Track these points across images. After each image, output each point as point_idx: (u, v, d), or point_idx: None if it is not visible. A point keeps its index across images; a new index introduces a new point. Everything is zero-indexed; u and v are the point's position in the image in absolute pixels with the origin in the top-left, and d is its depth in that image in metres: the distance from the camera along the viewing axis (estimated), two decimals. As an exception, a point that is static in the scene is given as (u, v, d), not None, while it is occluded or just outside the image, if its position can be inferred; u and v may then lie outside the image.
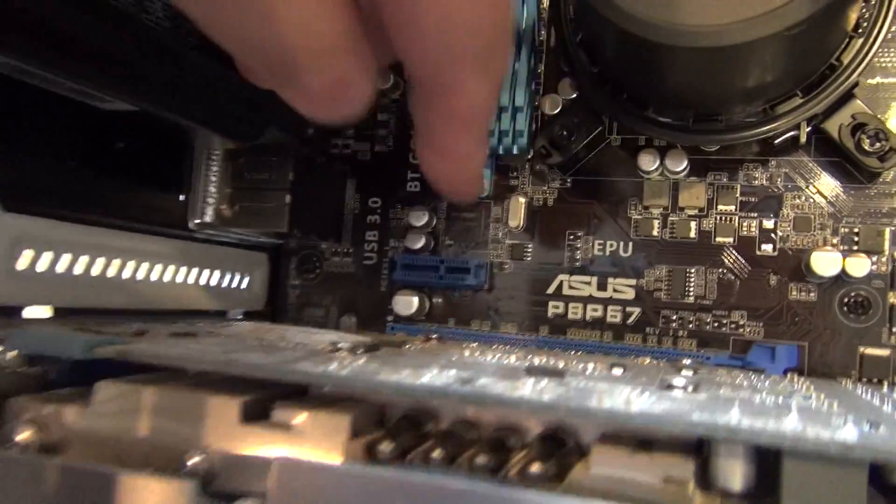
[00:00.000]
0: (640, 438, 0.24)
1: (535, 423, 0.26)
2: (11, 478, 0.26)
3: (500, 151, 0.44)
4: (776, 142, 0.41)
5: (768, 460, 0.22)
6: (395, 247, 0.48)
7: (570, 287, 0.45)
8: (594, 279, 0.44)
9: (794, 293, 0.41)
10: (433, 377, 0.24)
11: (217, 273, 0.45)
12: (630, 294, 0.44)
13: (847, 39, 0.37)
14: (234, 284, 0.47)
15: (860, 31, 0.37)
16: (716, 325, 0.42)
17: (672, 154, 0.42)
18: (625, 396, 0.22)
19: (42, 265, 0.33)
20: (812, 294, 0.41)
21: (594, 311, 0.44)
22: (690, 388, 0.25)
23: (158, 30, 0.32)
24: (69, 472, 0.25)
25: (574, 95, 0.44)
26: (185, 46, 0.33)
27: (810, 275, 0.40)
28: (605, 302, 0.44)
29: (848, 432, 0.19)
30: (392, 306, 0.47)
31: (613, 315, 0.44)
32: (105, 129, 0.36)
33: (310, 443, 0.26)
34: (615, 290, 0.44)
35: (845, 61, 0.37)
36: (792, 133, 0.40)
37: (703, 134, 0.39)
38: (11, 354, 0.30)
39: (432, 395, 0.22)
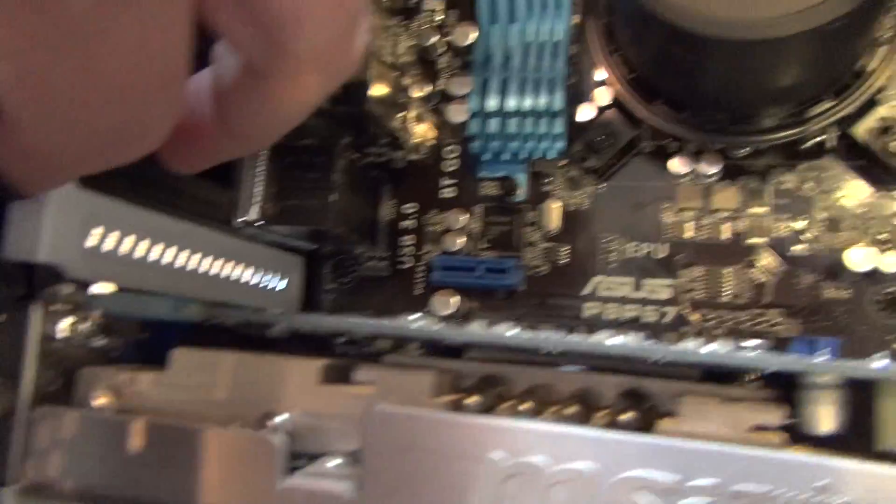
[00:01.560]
0: (720, 396, 0.25)
1: (611, 385, 0.27)
2: (98, 437, 0.26)
3: (537, 155, 0.46)
4: (804, 146, 0.43)
5: (859, 406, 0.23)
6: (429, 251, 0.49)
7: (606, 288, 0.46)
8: (629, 280, 0.45)
9: (829, 291, 0.42)
10: (513, 334, 0.25)
11: (258, 271, 0.46)
12: (665, 294, 0.45)
13: (873, 46, 0.39)
14: (272, 285, 0.48)
15: (884, 39, 0.39)
16: (751, 323, 0.43)
17: (705, 158, 0.44)
18: (701, 344, 0.23)
19: (108, 244, 0.33)
20: (846, 292, 0.42)
21: (630, 312, 0.45)
22: (766, 349, 0.26)
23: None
24: (157, 428, 0.26)
25: (609, 102, 0.46)
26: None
27: (844, 272, 0.41)
28: (641, 302, 0.45)
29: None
30: (429, 308, 0.47)
31: (649, 315, 0.45)
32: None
33: (393, 401, 0.26)
34: (650, 291, 0.45)
35: (872, 67, 0.39)
36: (821, 137, 0.42)
37: (737, 136, 0.41)
38: (87, 325, 0.30)
39: (528, 343, 0.23)
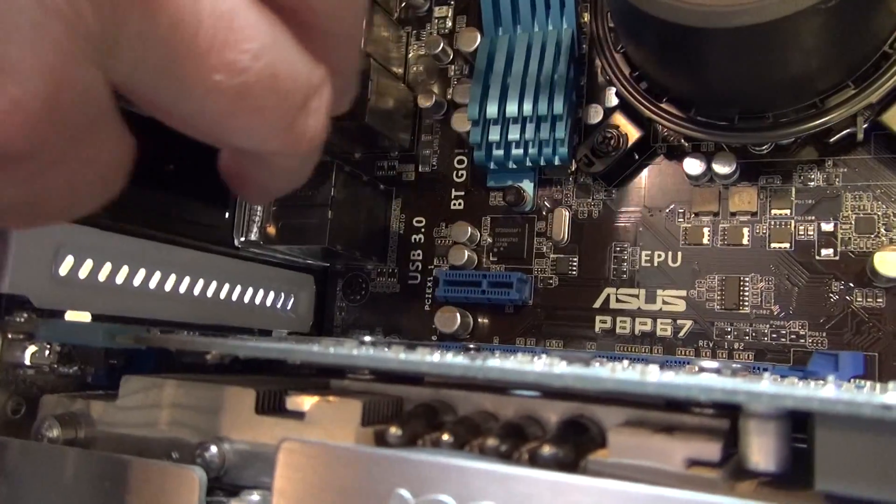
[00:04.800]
0: (667, 425, 0.23)
1: (555, 412, 0.25)
2: (37, 466, 0.26)
3: (542, 163, 0.44)
4: (831, 140, 0.39)
5: (806, 442, 0.20)
6: (438, 265, 0.48)
7: (618, 300, 0.43)
8: (642, 291, 0.42)
9: (860, 299, 0.38)
10: (442, 358, 0.23)
11: (261, 292, 0.46)
12: (681, 306, 0.41)
13: (899, 25, 0.35)
14: (280, 305, 0.48)
15: (914, 15, 0.35)
16: (774, 336, 0.39)
17: (720, 157, 0.41)
18: (642, 371, 0.21)
19: (83, 272, 0.34)
20: (880, 300, 0.38)
21: (643, 325, 0.42)
22: (727, 373, 0.23)
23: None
24: (87, 459, 0.25)
25: (615, 103, 0.43)
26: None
27: (876, 278, 0.37)
28: (655, 315, 0.42)
29: (890, 397, 0.17)
30: (435, 324, 0.46)
31: (664, 328, 0.42)
32: (149, 139, 0.38)
33: (321, 430, 0.25)
34: (665, 302, 0.42)
35: (900, 48, 0.35)
36: (848, 130, 0.38)
37: (751, 132, 0.38)
38: (47, 353, 0.30)
39: (431, 368, 0.21)
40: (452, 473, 0.20)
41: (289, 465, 0.22)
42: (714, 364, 0.23)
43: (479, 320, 0.46)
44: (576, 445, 0.22)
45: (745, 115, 0.38)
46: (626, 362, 0.23)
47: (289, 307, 0.48)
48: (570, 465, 0.21)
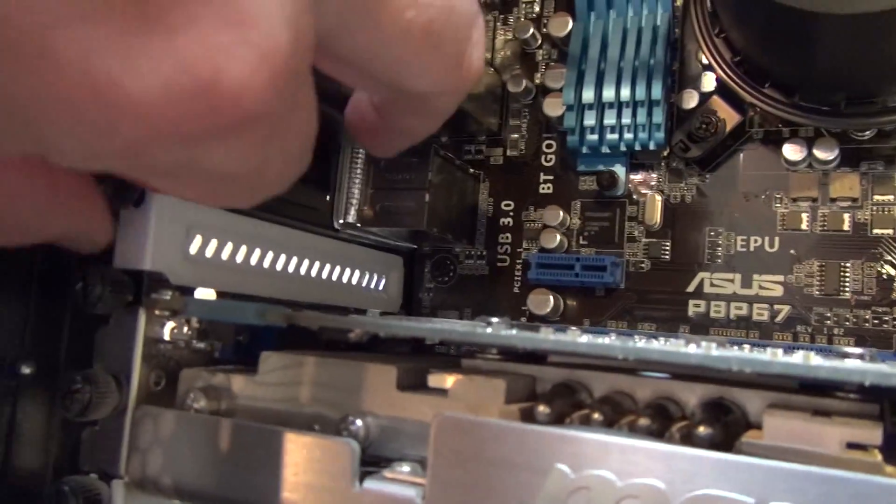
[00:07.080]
0: (814, 409, 0.23)
1: (694, 394, 0.25)
2: (190, 436, 0.28)
3: (636, 147, 0.44)
4: (939, 126, 0.39)
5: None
6: (528, 248, 0.49)
7: (712, 285, 0.43)
8: (738, 276, 0.43)
9: (967, 286, 0.38)
10: (592, 340, 0.24)
11: (357, 272, 0.47)
12: (778, 291, 0.42)
13: None
14: (373, 285, 0.49)
15: None
16: (876, 322, 0.39)
17: (821, 143, 0.41)
18: (801, 356, 0.21)
19: (209, 251, 0.35)
20: None
21: (738, 310, 0.42)
22: (868, 358, 0.24)
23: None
24: (241, 429, 0.27)
25: (713, 88, 0.43)
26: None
27: None
28: (751, 300, 0.42)
29: None
30: (526, 306, 0.47)
31: (760, 313, 0.42)
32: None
33: (464, 407, 0.26)
34: (761, 287, 0.42)
35: None
36: (958, 116, 0.38)
37: (858, 118, 0.38)
38: (186, 329, 0.32)
39: (599, 351, 0.22)
40: (613, 450, 0.21)
41: (443, 439, 0.24)
42: (858, 350, 0.24)
43: (568, 302, 0.47)
44: (724, 426, 0.23)
45: (851, 101, 0.37)
46: (747, 347, 0.23)
47: (381, 287, 0.49)
48: (722, 445, 0.22)
